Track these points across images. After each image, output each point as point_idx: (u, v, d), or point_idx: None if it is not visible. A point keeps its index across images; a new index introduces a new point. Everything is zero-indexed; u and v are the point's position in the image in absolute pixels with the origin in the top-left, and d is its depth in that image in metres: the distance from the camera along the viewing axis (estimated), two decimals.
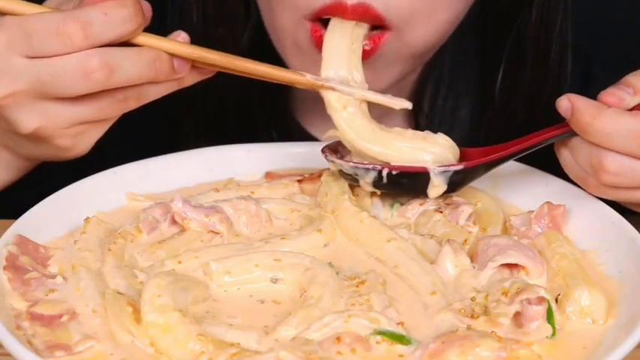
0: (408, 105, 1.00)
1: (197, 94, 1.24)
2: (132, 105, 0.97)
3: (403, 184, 0.99)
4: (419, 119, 1.30)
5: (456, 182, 0.98)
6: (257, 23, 1.18)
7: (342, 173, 1.01)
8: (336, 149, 1.02)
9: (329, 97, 0.99)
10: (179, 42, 0.96)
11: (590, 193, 0.96)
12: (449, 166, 0.98)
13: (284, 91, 1.28)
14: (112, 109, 0.96)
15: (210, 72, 1.00)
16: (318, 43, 1.04)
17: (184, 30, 0.98)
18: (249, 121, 1.29)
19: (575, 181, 0.96)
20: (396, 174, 0.98)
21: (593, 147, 0.91)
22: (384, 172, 0.98)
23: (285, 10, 1.08)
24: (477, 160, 0.98)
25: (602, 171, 0.91)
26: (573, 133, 0.93)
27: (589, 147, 0.92)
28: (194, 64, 0.98)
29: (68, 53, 0.91)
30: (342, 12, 1.03)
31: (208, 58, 0.97)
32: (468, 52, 1.31)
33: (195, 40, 0.98)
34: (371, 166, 0.98)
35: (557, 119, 0.95)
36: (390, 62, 1.10)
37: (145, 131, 1.25)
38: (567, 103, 0.92)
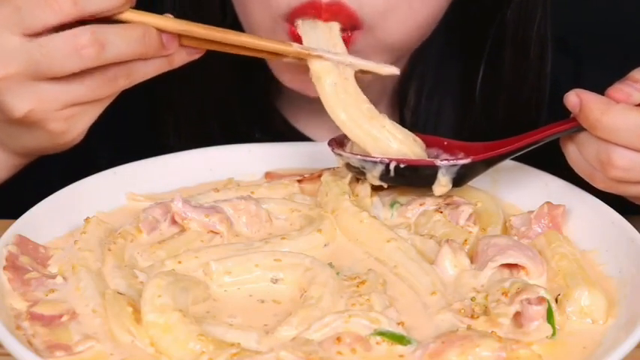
0: (395, 71, 1.03)
1: (178, 96, 1.25)
2: (122, 84, 0.97)
3: (410, 178, 0.99)
4: (404, 114, 1.30)
5: (462, 176, 0.98)
6: (233, 23, 1.18)
7: (348, 166, 1.01)
8: (343, 142, 1.03)
9: (316, 67, 1.00)
10: (165, 17, 0.97)
11: (597, 188, 0.96)
12: (456, 160, 0.98)
13: (271, 92, 1.28)
14: (103, 89, 0.96)
15: (199, 52, 1.01)
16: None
17: None
18: (233, 123, 1.28)
19: (582, 176, 0.96)
20: (404, 167, 0.98)
21: (601, 142, 0.92)
22: (392, 166, 0.98)
23: (258, 9, 1.08)
24: (482, 155, 0.98)
25: (610, 166, 0.91)
26: (580, 128, 0.94)
27: (597, 142, 0.92)
28: (182, 43, 0.98)
29: (59, 23, 0.91)
30: (317, 10, 1.03)
31: (195, 31, 0.97)
32: (451, 49, 1.31)
33: None
34: (378, 159, 0.98)
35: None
36: (366, 55, 1.10)
37: (129, 133, 1.25)
38: (575, 99, 0.93)
